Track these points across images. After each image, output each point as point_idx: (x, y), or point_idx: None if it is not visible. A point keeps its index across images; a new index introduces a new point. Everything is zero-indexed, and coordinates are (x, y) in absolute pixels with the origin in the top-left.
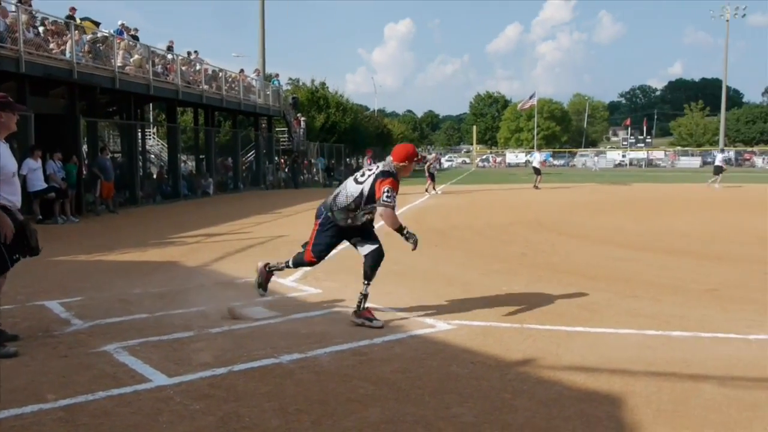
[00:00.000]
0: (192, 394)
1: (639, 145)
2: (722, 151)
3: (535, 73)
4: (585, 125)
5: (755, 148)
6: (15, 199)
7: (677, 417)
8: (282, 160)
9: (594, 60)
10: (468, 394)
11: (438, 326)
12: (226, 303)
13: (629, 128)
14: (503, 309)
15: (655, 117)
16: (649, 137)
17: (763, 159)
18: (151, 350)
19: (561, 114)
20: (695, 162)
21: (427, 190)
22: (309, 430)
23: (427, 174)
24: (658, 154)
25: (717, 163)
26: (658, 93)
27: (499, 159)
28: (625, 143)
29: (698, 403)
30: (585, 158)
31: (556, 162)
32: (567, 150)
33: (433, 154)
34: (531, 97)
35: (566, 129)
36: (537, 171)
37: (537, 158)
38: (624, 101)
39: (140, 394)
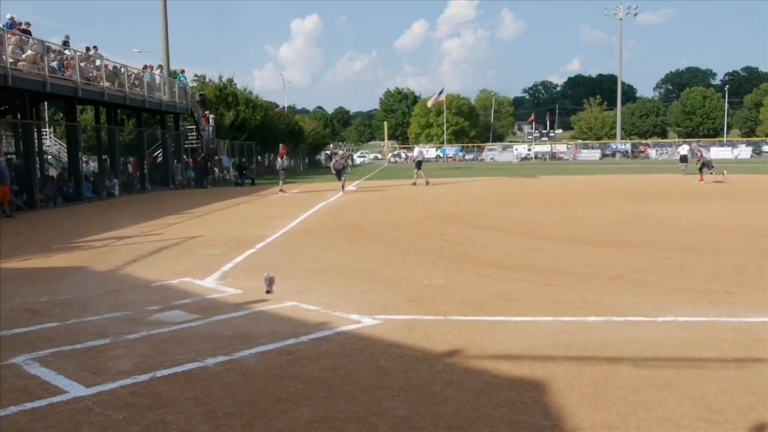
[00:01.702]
0: (113, 404)
1: (543, 139)
2: (686, 143)
3: (442, 70)
4: (492, 120)
5: (649, 141)
6: None
7: (598, 398)
8: (190, 160)
9: (498, 57)
10: (398, 387)
11: (364, 321)
12: (143, 308)
13: (533, 123)
14: (426, 302)
15: (557, 112)
16: (552, 131)
17: (656, 151)
18: (65, 360)
19: (469, 109)
20: (595, 154)
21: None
22: None
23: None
24: (561, 148)
25: (682, 153)
26: (558, 89)
27: (410, 154)
28: (530, 137)
29: (617, 384)
30: (493, 152)
31: (466, 156)
32: (476, 144)
33: (340, 152)
34: (440, 93)
35: (474, 124)
36: (419, 165)
37: (421, 153)
38: (528, 97)
39: (56, 407)
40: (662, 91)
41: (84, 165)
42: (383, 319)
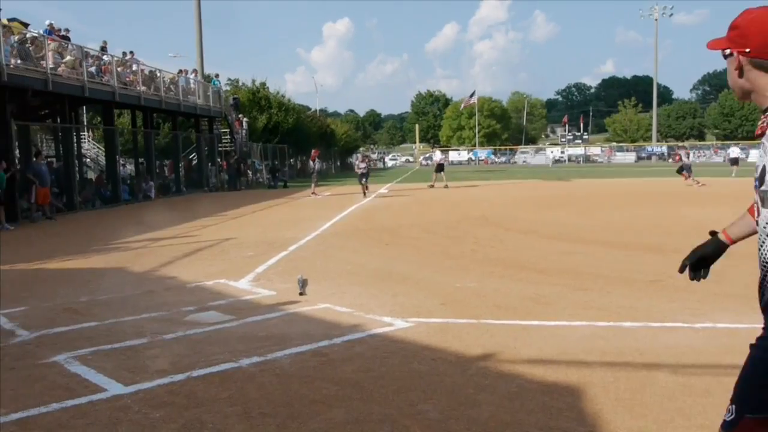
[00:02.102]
0: (151, 403)
1: (576, 141)
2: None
3: (473, 72)
4: (524, 123)
5: (686, 143)
6: None
7: (635, 405)
8: (224, 163)
9: (530, 59)
10: (432, 390)
11: (396, 324)
12: (179, 308)
13: (567, 125)
14: (459, 305)
15: (591, 114)
16: (585, 134)
17: (694, 153)
18: (104, 359)
19: (501, 112)
20: (630, 157)
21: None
22: None
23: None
24: (595, 150)
25: (732, 156)
26: (592, 90)
27: (434, 158)
28: (563, 140)
29: (654, 391)
30: (525, 155)
31: (498, 159)
32: (508, 147)
33: (359, 155)
34: (471, 96)
35: (506, 127)
36: (440, 169)
37: (438, 156)
38: (561, 99)
39: (96, 405)
40: (699, 92)
41: (121, 168)
42: (416, 322)
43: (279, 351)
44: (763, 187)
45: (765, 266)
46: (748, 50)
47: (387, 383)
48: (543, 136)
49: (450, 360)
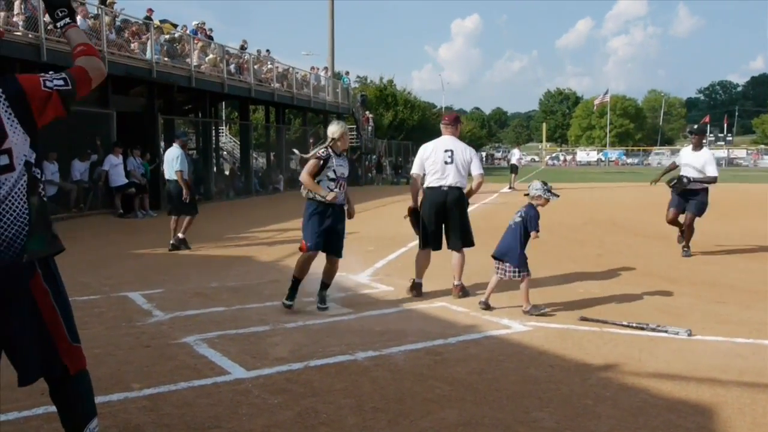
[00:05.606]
0: (270, 388)
1: (719, 143)
2: None
3: (606, 69)
4: (660, 123)
5: None
6: None
7: None
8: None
9: (669, 55)
10: (548, 398)
11: (513, 327)
12: (300, 299)
13: (708, 126)
14: (580, 311)
15: (737, 114)
16: (729, 135)
17: None
18: (229, 343)
19: (635, 111)
20: None
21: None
22: (386, 429)
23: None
24: (739, 153)
25: None
26: (739, 89)
27: (569, 157)
28: (704, 141)
29: None
30: (660, 156)
31: (629, 160)
32: (641, 148)
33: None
34: (604, 94)
35: (641, 126)
36: (514, 169)
37: (516, 155)
38: (702, 97)
39: (220, 386)
40: None
41: (253, 161)
42: (534, 326)
43: (394, 347)
44: None
45: None
46: None
47: (501, 387)
48: (681, 137)
49: (568, 368)
